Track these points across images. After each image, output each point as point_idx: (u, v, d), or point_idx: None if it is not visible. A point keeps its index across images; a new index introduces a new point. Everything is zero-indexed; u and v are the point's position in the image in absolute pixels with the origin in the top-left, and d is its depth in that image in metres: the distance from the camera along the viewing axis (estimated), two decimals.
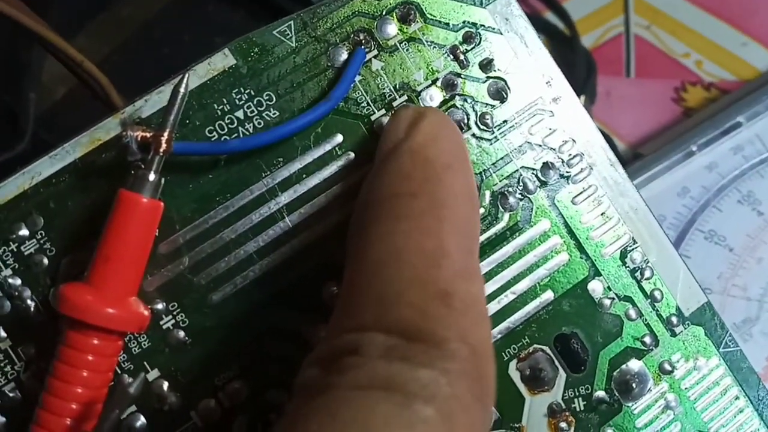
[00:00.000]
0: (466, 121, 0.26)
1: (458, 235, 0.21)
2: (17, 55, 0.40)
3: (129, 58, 0.43)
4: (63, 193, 0.24)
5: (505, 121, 0.26)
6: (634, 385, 0.26)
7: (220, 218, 0.24)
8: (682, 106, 0.45)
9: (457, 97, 0.26)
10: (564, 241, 0.26)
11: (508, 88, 0.26)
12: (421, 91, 0.25)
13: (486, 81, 0.26)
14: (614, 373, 0.26)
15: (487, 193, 0.26)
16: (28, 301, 0.24)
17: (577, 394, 0.26)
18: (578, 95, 0.27)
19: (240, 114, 0.24)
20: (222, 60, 0.25)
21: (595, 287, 0.26)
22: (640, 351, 0.26)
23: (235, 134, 0.24)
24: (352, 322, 0.20)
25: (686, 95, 0.45)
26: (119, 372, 0.24)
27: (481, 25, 0.26)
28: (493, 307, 0.26)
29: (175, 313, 0.24)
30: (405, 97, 0.25)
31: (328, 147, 0.25)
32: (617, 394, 0.26)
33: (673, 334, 0.27)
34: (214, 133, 0.24)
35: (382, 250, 0.21)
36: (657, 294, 0.26)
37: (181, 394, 0.24)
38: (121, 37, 0.44)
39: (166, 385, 0.24)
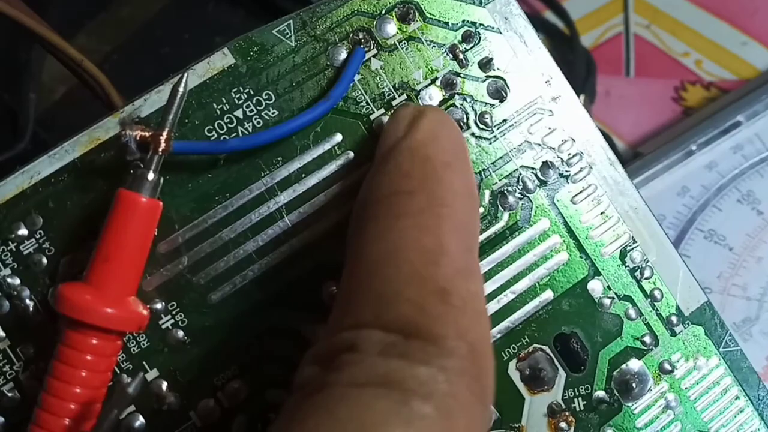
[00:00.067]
0: (465, 120, 0.26)
1: (458, 233, 0.21)
2: (17, 54, 0.40)
3: (129, 58, 0.43)
4: (62, 192, 0.24)
5: (504, 121, 0.26)
6: (634, 384, 0.26)
7: (220, 218, 0.24)
8: (681, 106, 0.45)
9: (457, 97, 0.26)
10: (563, 241, 0.26)
11: (508, 88, 0.26)
12: (420, 91, 0.25)
13: (485, 80, 0.26)
14: (614, 373, 0.26)
15: (487, 193, 0.26)
16: (27, 301, 0.24)
17: (576, 393, 0.26)
18: (578, 95, 0.27)
19: (239, 113, 0.24)
20: (221, 59, 0.25)
21: (595, 287, 0.26)
22: (640, 351, 0.26)
23: (235, 133, 0.24)
24: (350, 319, 0.20)
25: (686, 94, 0.45)
26: (118, 372, 0.24)
27: (481, 24, 0.26)
28: (493, 306, 0.26)
29: (174, 312, 0.24)
30: (404, 97, 0.25)
31: (327, 146, 0.25)
32: (617, 394, 0.26)
33: (673, 334, 0.27)
34: (214, 132, 0.24)
35: (381, 248, 0.21)
36: (657, 293, 0.26)
37: (180, 394, 0.24)
38: (121, 37, 0.44)
39: (165, 385, 0.24)
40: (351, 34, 0.25)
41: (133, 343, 0.24)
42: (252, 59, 0.25)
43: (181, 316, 0.24)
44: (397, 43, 0.25)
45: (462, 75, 0.26)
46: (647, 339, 0.26)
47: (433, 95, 0.26)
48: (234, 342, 0.24)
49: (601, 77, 0.45)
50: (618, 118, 0.44)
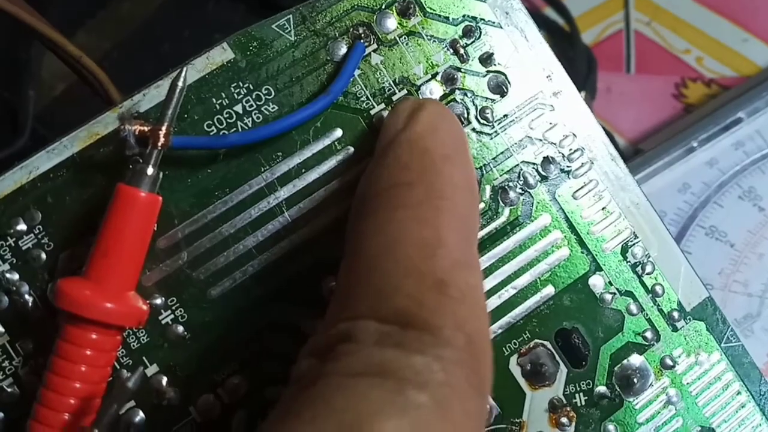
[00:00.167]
0: (466, 115, 0.26)
1: (456, 225, 0.21)
2: (16, 52, 0.40)
3: (129, 55, 0.43)
4: (61, 187, 0.24)
5: (505, 116, 0.26)
6: (635, 380, 0.26)
7: (219, 213, 0.24)
8: (682, 103, 0.44)
9: (457, 92, 0.26)
10: (565, 236, 0.26)
11: (509, 83, 0.26)
12: (420, 86, 0.25)
13: (486, 75, 0.26)
14: (615, 368, 0.26)
15: (488, 188, 0.26)
16: (26, 296, 0.23)
17: (578, 389, 0.26)
18: (578, 91, 0.27)
19: (239, 108, 0.24)
20: (220, 54, 0.24)
21: (596, 282, 0.26)
22: (641, 346, 0.26)
23: (234, 128, 0.24)
24: (347, 312, 0.20)
25: (687, 91, 0.45)
26: (118, 367, 0.24)
27: (481, 19, 0.26)
28: (494, 301, 0.25)
29: (174, 308, 0.24)
30: (405, 92, 0.25)
31: (327, 141, 0.25)
32: (618, 389, 0.26)
33: (675, 329, 0.26)
34: (213, 127, 0.24)
35: (379, 241, 0.20)
36: (658, 289, 0.26)
37: (180, 390, 0.24)
38: (121, 35, 0.44)
39: (165, 380, 0.24)
40: (351, 29, 0.25)
41: (132, 338, 0.24)
42: (251, 54, 0.25)
43: (180, 311, 0.24)
44: (398, 38, 0.25)
45: (463, 70, 0.26)
46: (649, 334, 0.26)
47: (434, 90, 0.25)
48: (234, 337, 0.24)
49: (602, 74, 0.45)
50: (619, 115, 0.44)
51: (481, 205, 0.26)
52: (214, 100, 0.24)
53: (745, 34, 0.46)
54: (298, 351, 0.21)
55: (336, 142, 0.25)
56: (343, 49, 0.25)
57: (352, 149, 0.25)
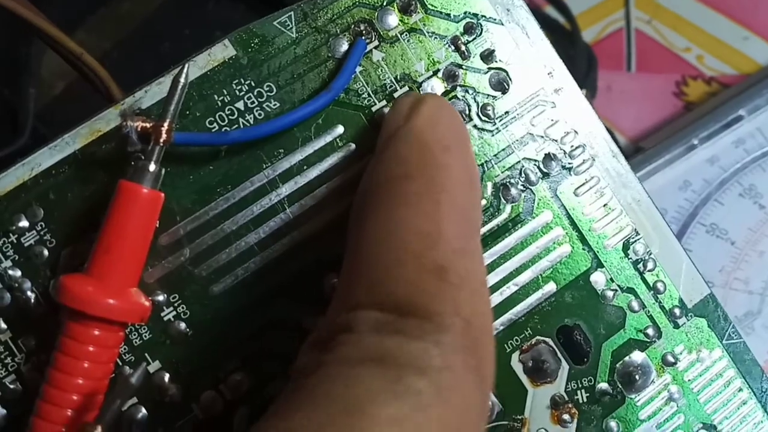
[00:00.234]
0: (467, 112, 0.26)
1: (456, 217, 0.21)
2: (16, 50, 0.40)
3: (129, 54, 0.43)
4: (63, 184, 0.24)
5: (506, 113, 0.26)
6: (637, 376, 0.26)
7: (221, 209, 0.24)
8: (683, 101, 0.45)
9: (459, 88, 0.26)
10: (566, 233, 0.26)
11: (510, 79, 0.26)
12: (422, 82, 0.25)
13: (487, 72, 0.26)
14: (617, 365, 0.26)
15: (489, 185, 0.26)
16: (29, 293, 0.23)
17: (580, 385, 0.26)
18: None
19: (240, 105, 0.24)
20: (222, 51, 0.24)
21: (598, 279, 0.26)
22: (643, 343, 0.26)
23: (236, 125, 0.24)
24: (347, 304, 0.20)
25: (687, 89, 0.45)
26: (120, 364, 0.24)
27: (483, 16, 0.26)
28: (496, 298, 0.26)
29: (176, 304, 0.24)
30: (406, 88, 0.25)
31: (329, 138, 0.25)
32: (620, 386, 0.26)
33: (676, 326, 0.26)
34: (215, 124, 0.24)
35: (378, 234, 0.20)
36: (660, 285, 0.26)
37: (183, 386, 0.24)
38: (121, 33, 0.44)
39: (167, 377, 0.24)
40: (352, 26, 0.25)
41: (135, 335, 0.24)
42: (253, 51, 0.25)
43: (183, 308, 0.24)
44: (399, 35, 0.25)
45: (464, 67, 0.26)
46: (650, 331, 0.26)
47: (435, 87, 0.25)
48: (236, 334, 0.24)
49: (603, 72, 0.45)
50: (619, 113, 0.44)
51: (483, 202, 0.26)
52: (215, 96, 0.24)
53: (745, 32, 0.46)
54: (300, 348, 0.21)
55: (338, 139, 0.25)
56: (345, 46, 0.25)
57: (353, 146, 0.25)
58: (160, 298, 0.24)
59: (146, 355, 0.24)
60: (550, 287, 0.26)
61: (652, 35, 0.46)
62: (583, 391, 0.26)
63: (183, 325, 0.24)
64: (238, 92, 0.24)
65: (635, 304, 0.26)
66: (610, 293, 0.26)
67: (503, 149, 0.26)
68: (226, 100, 0.24)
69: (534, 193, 0.26)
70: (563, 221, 0.26)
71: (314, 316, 0.24)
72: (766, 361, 0.37)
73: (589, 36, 0.46)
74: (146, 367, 0.24)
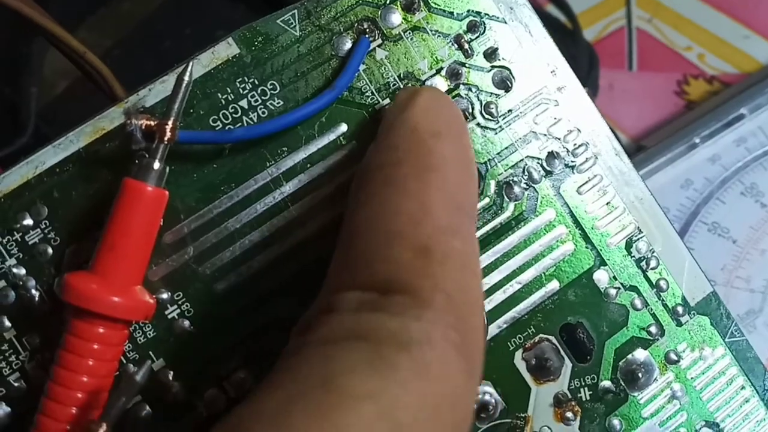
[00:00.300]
0: (470, 110, 0.26)
1: (444, 196, 0.21)
2: (18, 49, 0.40)
3: (129, 53, 0.43)
4: (67, 182, 0.24)
5: (509, 111, 0.26)
6: (640, 374, 0.26)
7: (225, 208, 0.24)
8: (684, 99, 0.45)
9: (462, 87, 0.26)
10: (569, 231, 0.26)
11: (513, 78, 0.26)
12: (425, 81, 0.25)
13: (490, 70, 0.26)
14: (620, 363, 0.26)
15: (492, 183, 0.26)
16: (33, 291, 0.23)
17: (583, 383, 0.26)
18: None
19: (244, 103, 0.24)
20: (226, 49, 0.24)
21: (601, 277, 0.26)
22: (645, 341, 0.26)
23: (240, 123, 0.24)
24: (332, 287, 0.20)
25: (689, 88, 0.45)
26: (124, 362, 0.24)
27: (486, 14, 0.26)
28: (499, 296, 0.26)
29: (180, 302, 0.24)
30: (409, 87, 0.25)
31: (332, 136, 0.25)
32: (623, 384, 0.26)
33: (679, 324, 0.27)
34: (218, 122, 0.24)
35: (364, 215, 0.20)
36: (663, 284, 0.26)
37: (186, 384, 0.24)
38: (122, 32, 0.44)
39: (171, 374, 0.24)
40: (356, 24, 0.25)
41: (139, 333, 0.24)
42: (256, 49, 0.25)
43: (187, 306, 0.24)
44: (402, 33, 0.25)
45: (467, 65, 0.26)
46: (653, 329, 0.26)
47: (438, 85, 0.25)
48: (240, 332, 0.24)
49: (604, 71, 0.45)
50: (621, 112, 0.44)
51: (486, 201, 0.26)
52: (219, 95, 0.24)
53: (746, 30, 0.46)
54: None
55: (341, 137, 0.25)
56: (348, 44, 0.25)
57: (357, 144, 0.25)
58: (164, 295, 0.24)
59: (150, 352, 0.24)
60: (553, 285, 0.26)
61: (653, 34, 0.46)
62: (586, 388, 0.26)
63: (187, 323, 0.24)
64: (241, 90, 0.24)
65: (638, 302, 0.26)
66: (613, 291, 0.26)
67: (506, 147, 0.26)
68: (230, 98, 0.24)
69: (537, 192, 0.26)
70: (566, 219, 0.26)
71: None
72: None
73: (590, 35, 0.46)
74: (150, 364, 0.24)
